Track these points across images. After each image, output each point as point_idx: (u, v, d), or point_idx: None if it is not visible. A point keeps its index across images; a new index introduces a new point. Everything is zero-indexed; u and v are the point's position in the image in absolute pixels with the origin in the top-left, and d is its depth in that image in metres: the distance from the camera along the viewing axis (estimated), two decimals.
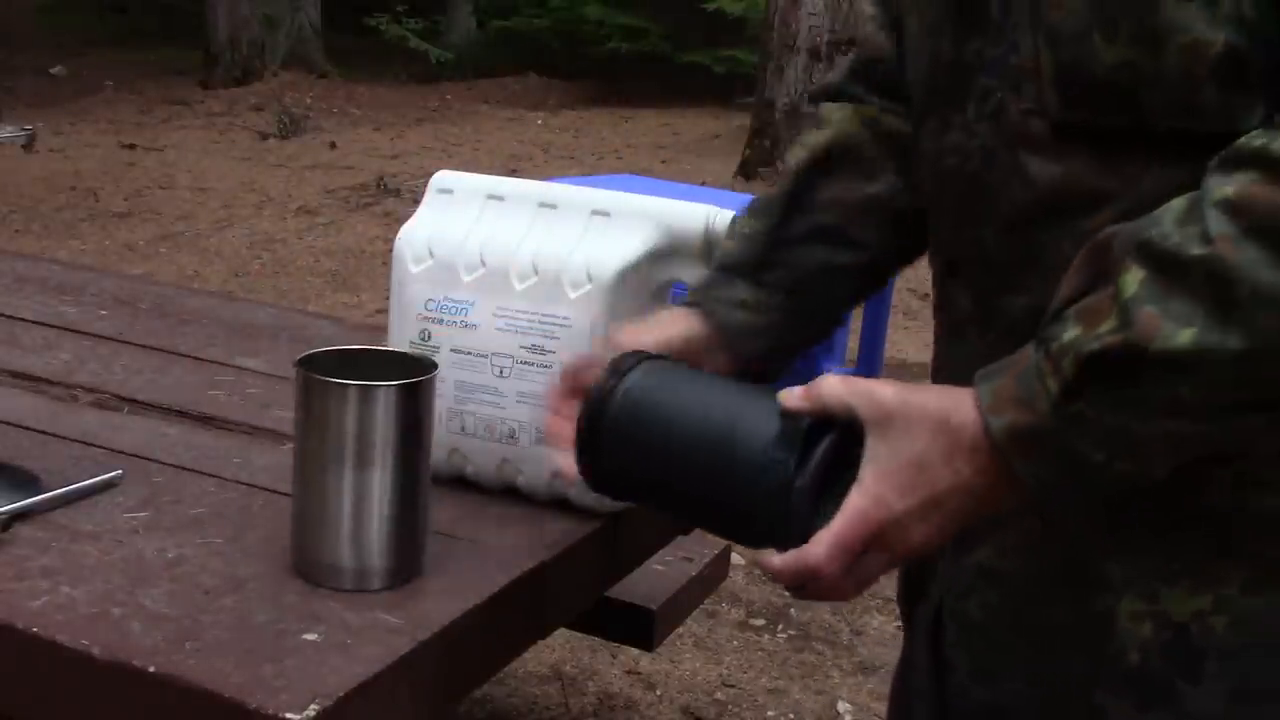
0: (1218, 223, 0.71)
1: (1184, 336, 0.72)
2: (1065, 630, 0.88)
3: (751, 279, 1.07)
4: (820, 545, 0.82)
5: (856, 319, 1.47)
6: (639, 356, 0.94)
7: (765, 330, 1.06)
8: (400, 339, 1.30)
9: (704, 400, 0.89)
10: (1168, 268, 0.72)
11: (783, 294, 1.07)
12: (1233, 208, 0.71)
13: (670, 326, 1.04)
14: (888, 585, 2.72)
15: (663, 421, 0.89)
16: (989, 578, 0.92)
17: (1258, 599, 0.82)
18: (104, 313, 1.90)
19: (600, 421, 0.91)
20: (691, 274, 1.24)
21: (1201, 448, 0.78)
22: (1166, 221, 0.74)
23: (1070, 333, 0.75)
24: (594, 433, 0.91)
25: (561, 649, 2.47)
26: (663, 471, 0.89)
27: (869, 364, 1.41)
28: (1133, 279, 0.74)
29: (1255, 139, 0.72)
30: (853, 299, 1.13)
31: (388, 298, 1.34)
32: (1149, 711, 0.84)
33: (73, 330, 1.80)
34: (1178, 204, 0.74)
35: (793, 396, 0.85)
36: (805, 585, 0.85)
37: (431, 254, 1.29)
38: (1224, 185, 0.72)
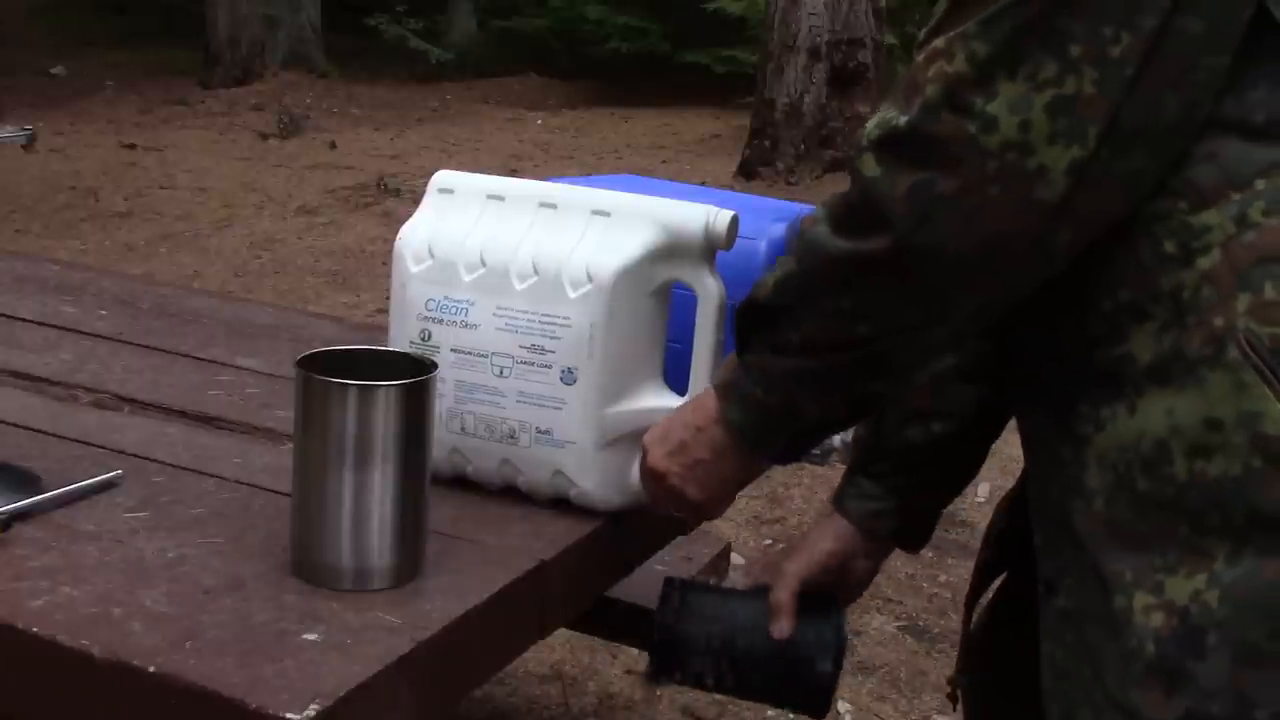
0: (817, 208, 0.99)
1: (769, 283, 1.01)
2: (1101, 642, 0.94)
3: (866, 473, 1.28)
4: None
5: None
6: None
7: (893, 512, 1.28)
8: (400, 339, 1.30)
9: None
10: (787, 243, 1.00)
11: (896, 478, 1.27)
12: (826, 200, 0.98)
13: (820, 541, 1.29)
14: (887, 586, 2.72)
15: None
16: (1066, 620, 0.99)
17: (1238, 568, 0.88)
18: (104, 313, 1.90)
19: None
20: (691, 274, 1.24)
21: (827, 384, 1.01)
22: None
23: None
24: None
25: (561, 649, 2.47)
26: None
27: None
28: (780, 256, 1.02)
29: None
30: (971, 456, 1.30)
31: (388, 298, 1.34)
32: (1174, 696, 0.90)
33: (73, 330, 1.80)
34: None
35: None
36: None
37: (431, 254, 1.29)
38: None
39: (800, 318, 0.99)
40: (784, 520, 2.99)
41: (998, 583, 1.28)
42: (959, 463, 1.29)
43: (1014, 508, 1.20)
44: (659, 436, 1.15)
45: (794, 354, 1.01)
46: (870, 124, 0.93)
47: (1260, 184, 0.89)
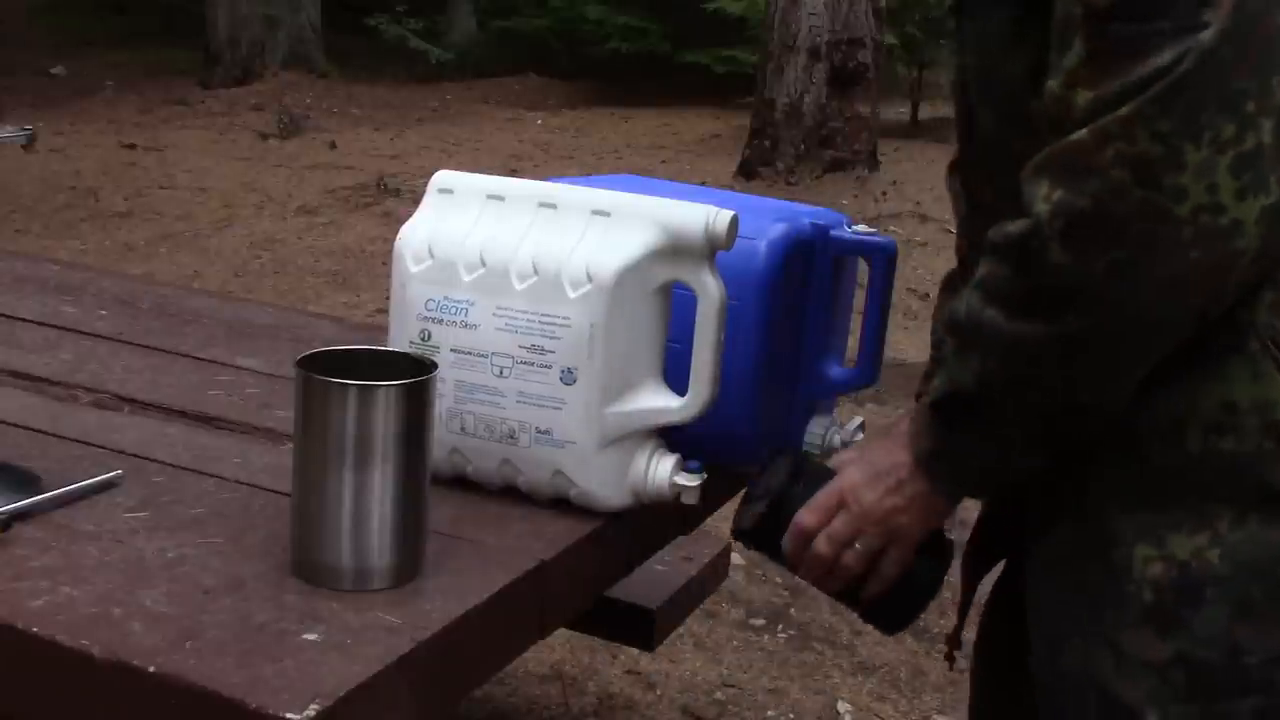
0: (972, 295, 1.01)
1: (969, 379, 1.02)
2: (1097, 582, 1.02)
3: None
4: (803, 510, 1.17)
5: (856, 320, 1.48)
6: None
7: None
8: (400, 339, 1.30)
9: None
10: (959, 334, 1.03)
11: None
12: (981, 284, 1.01)
13: None
14: None
15: None
16: (1061, 558, 1.06)
17: (1242, 531, 0.97)
18: (104, 313, 1.90)
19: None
20: (692, 274, 1.24)
21: (1046, 443, 1.03)
22: (960, 300, 1.03)
23: (932, 386, 1.08)
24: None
25: (561, 649, 2.47)
26: None
27: (869, 364, 1.41)
28: (950, 347, 1.05)
29: (993, 232, 0.99)
30: None
31: (388, 298, 1.34)
32: (1169, 640, 0.98)
33: (73, 330, 1.80)
34: (969, 286, 1.03)
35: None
36: (801, 551, 1.17)
37: (431, 254, 1.29)
38: (980, 268, 1.01)
39: (1011, 403, 1.01)
40: None
41: (996, 575, 1.29)
42: None
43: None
44: (865, 478, 1.13)
45: (1009, 430, 1.03)
46: (1043, 211, 0.93)
47: None
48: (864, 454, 1.17)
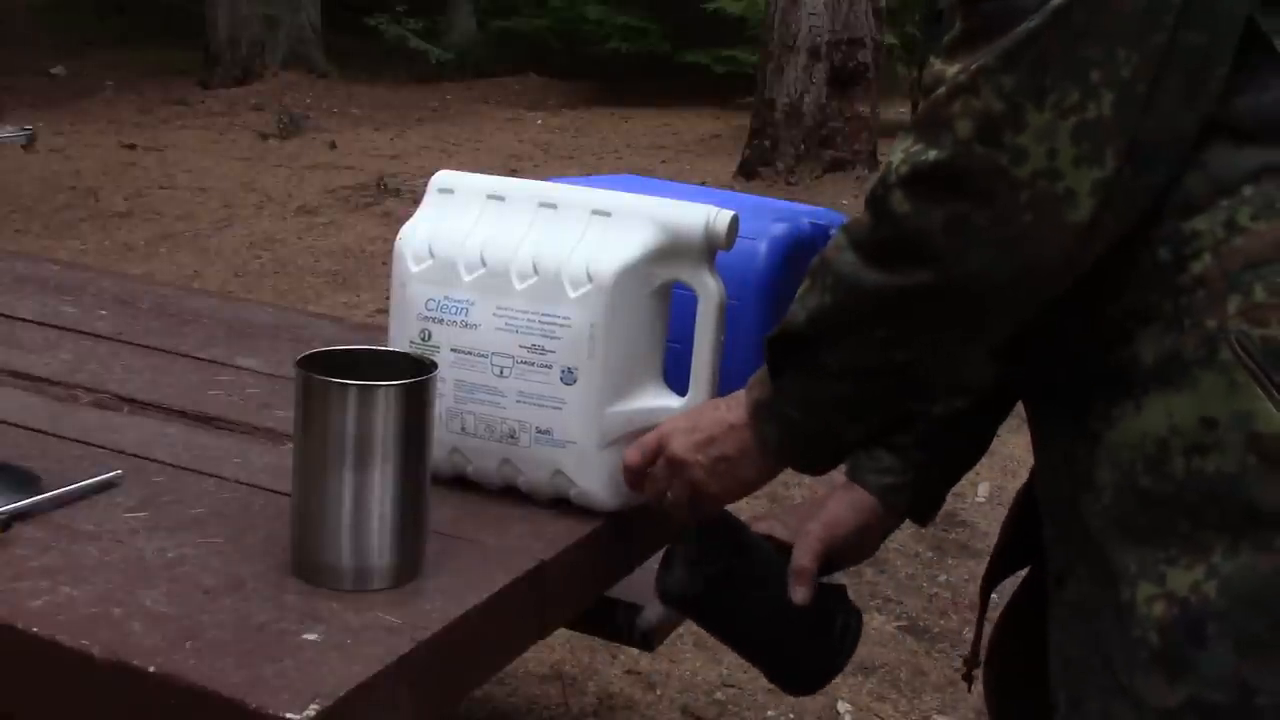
0: (837, 236, 1.01)
1: (803, 315, 1.02)
2: (1108, 630, 0.98)
3: (887, 446, 1.27)
4: (630, 446, 1.22)
5: None
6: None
7: (910, 485, 1.28)
8: (400, 339, 1.30)
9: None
10: (811, 273, 1.03)
11: (915, 451, 1.27)
12: (846, 227, 1.01)
13: (838, 510, 1.28)
14: (887, 586, 2.71)
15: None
16: (1075, 611, 1.02)
17: (1235, 561, 0.91)
18: (104, 313, 1.90)
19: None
20: (691, 274, 1.24)
21: (866, 408, 1.05)
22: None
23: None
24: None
25: (561, 649, 2.47)
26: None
27: None
28: (803, 284, 1.04)
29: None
30: (986, 431, 1.30)
31: (388, 298, 1.34)
32: (1177, 683, 0.93)
33: (73, 330, 1.80)
34: None
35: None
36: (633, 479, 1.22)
37: (431, 254, 1.29)
38: (854, 214, 1.01)
39: (836, 347, 1.02)
40: None
41: (1016, 577, 1.29)
42: (976, 437, 1.31)
43: (1030, 501, 1.22)
44: (685, 426, 1.17)
45: (830, 381, 1.03)
46: (894, 160, 0.94)
47: (1248, 190, 0.92)
48: (698, 411, 1.19)
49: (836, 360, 1.02)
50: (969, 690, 1.34)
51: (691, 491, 1.18)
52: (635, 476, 1.22)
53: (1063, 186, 0.89)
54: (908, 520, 1.32)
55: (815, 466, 1.13)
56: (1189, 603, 0.92)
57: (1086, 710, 1.01)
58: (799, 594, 1.23)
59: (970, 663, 1.31)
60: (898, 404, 1.06)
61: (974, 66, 0.89)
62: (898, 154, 0.95)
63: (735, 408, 1.13)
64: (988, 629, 1.30)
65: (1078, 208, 0.89)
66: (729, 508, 1.24)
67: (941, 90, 0.91)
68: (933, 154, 0.91)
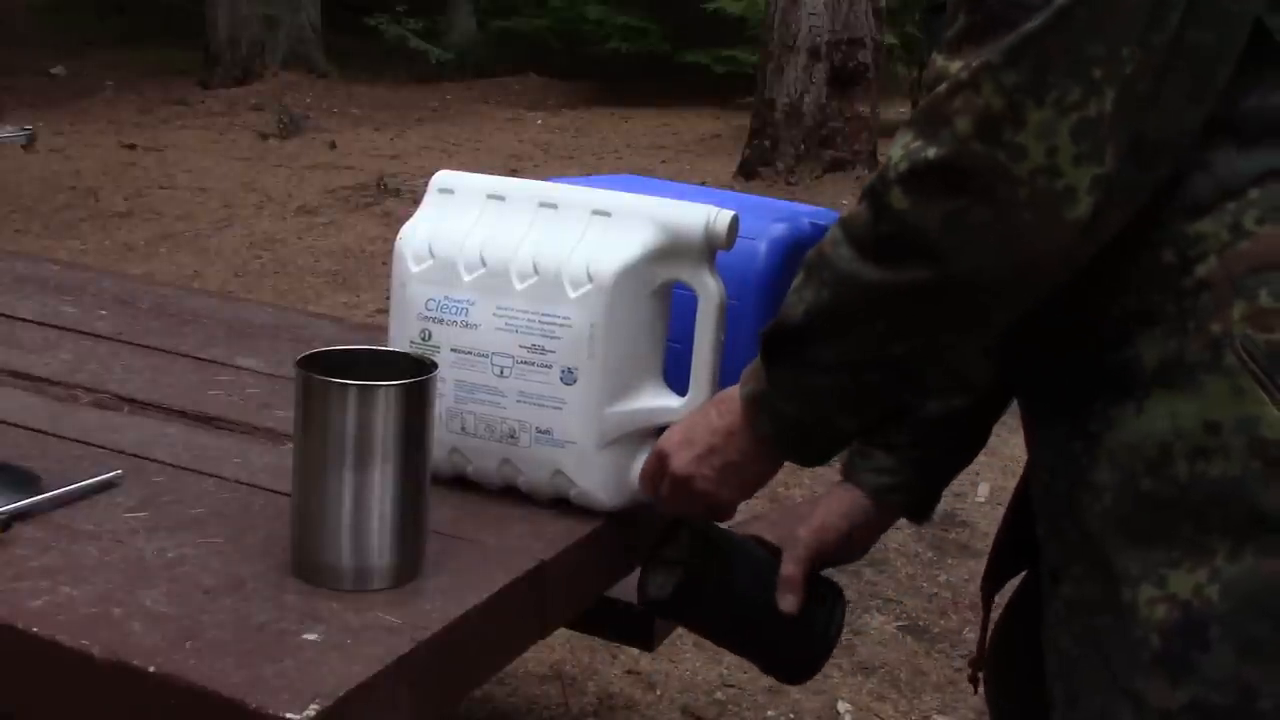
0: (832, 231, 1.00)
1: (800, 309, 1.02)
2: (1109, 630, 0.97)
3: (884, 446, 1.27)
4: (640, 475, 1.24)
5: None
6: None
7: (905, 485, 1.28)
8: (400, 339, 1.30)
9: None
10: (806, 266, 1.02)
11: (911, 450, 1.27)
12: (843, 221, 1.00)
13: (832, 512, 1.29)
14: (887, 586, 2.71)
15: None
16: (1072, 608, 1.02)
17: (1239, 565, 0.91)
18: (104, 313, 1.90)
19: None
20: (692, 274, 1.24)
21: (862, 400, 1.04)
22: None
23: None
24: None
25: (561, 649, 2.47)
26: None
27: None
28: (798, 278, 1.03)
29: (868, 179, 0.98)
30: (983, 429, 1.30)
31: (388, 298, 1.34)
32: (1182, 687, 0.93)
33: (73, 330, 1.80)
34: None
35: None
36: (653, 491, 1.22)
37: (432, 254, 1.29)
38: (849, 209, 0.99)
39: (833, 341, 1.01)
40: None
41: (1017, 579, 1.29)
42: (972, 435, 1.31)
43: (1026, 499, 1.22)
44: (681, 440, 1.17)
45: (826, 374, 1.03)
46: (894, 156, 0.94)
47: (1254, 193, 0.92)
48: (692, 421, 1.18)
49: (833, 353, 1.02)
50: (975, 691, 1.34)
51: (704, 503, 1.18)
52: (649, 490, 1.24)
53: (1062, 184, 0.88)
54: (904, 519, 1.32)
55: (811, 459, 1.13)
56: (1191, 606, 0.92)
57: (1085, 708, 1.01)
58: (787, 602, 1.24)
59: (976, 665, 1.31)
60: (893, 397, 1.06)
61: (976, 63, 0.89)
62: (897, 150, 0.94)
63: (727, 412, 1.13)
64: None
65: (1077, 205, 0.89)
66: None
67: (942, 86, 0.91)
68: (932, 150, 0.91)
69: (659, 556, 1.26)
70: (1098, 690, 0.99)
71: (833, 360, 1.02)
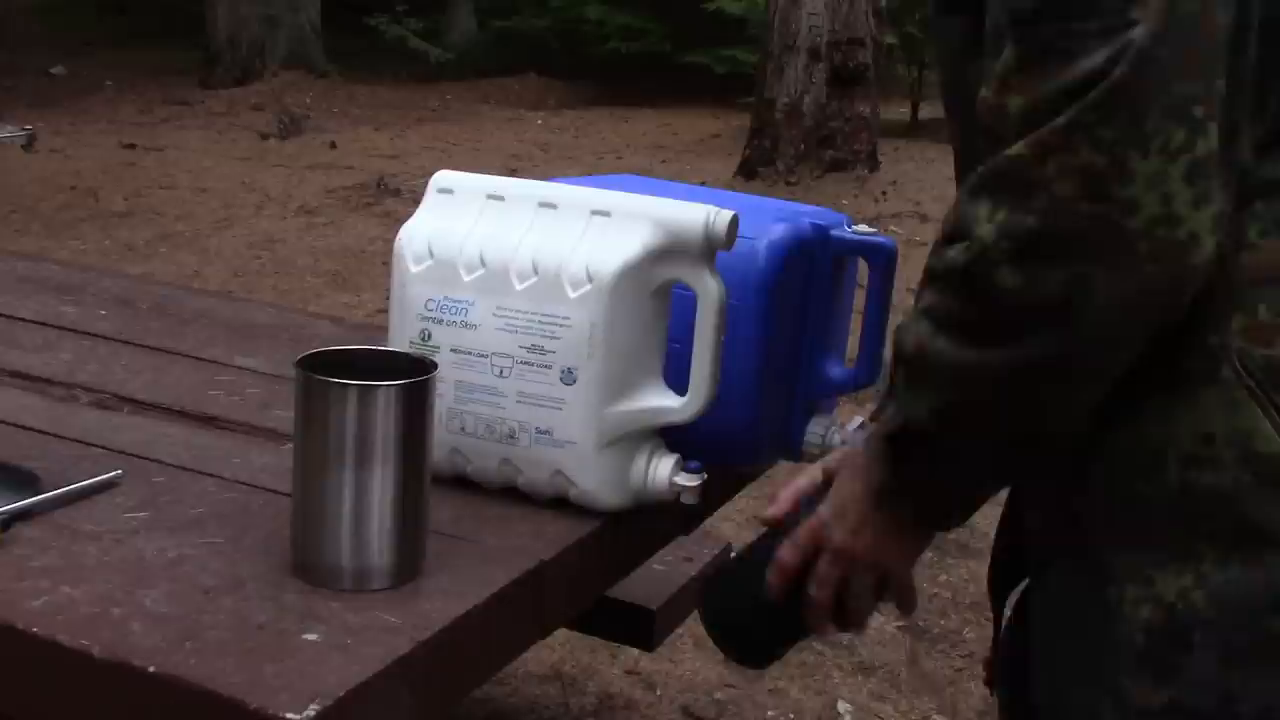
0: (918, 325, 0.96)
1: (923, 413, 0.97)
2: (1094, 625, 0.98)
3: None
4: (784, 544, 1.15)
5: (856, 320, 1.48)
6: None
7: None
8: (400, 339, 1.30)
9: None
10: (908, 366, 0.98)
11: None
12: (927, 313, 0.95)
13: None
14: None
15: None
16: (1058, 598, 1.03)
17: (1225, 572, 0.92)
18: (104, 313, 1.90)
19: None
20: (691, 274, 1.24)
21: (1000, 470, 1.02)
22: (906, 327, 0.98)
23: (882, 418, 1.03)
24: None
25: (561, 649, 2.47)
26: None
27: (869, 364, 1.42)
28: (900, 377, 1.00)
29: (931, 260, 0.95)
30: None
31: (388, 298, 1.34)
32: (1163, 687, 0.94)
33: (73, 330, 1.80)
34: (914, 313, 0.98)
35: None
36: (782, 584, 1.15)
37: (431, 254, 1.29)
38: (923, 298, 0.96)
39: (968, 434, 0.98)
40: None
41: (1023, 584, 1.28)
42: None
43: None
44: (835, 513, 1.11)
45: (963, 463, 1.00)
46: (983, 235, 0.89)
47: (1259, 206, 0.92)
48: (836, 485, 1.13)
49: (970, 444, 0.98)
50: (991, 695, 1.34)
51: (877, 573, 1.12)
52: (788, 574, 1.15)
53: (1184, 231, 0.85)
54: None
55: (957, 524, 1.09)
56: (1176, 609, 0.93)
57: (1068, 700, 1.02)
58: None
59: (990, 668, 1.30)
60: (1034, 460, 1.01)
61: (1062, 123, 0.84)
62: (983, 226, 0.89)
63: (857, 481, 1.09)
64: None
65: (1202, 247, 0.86)
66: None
67: (1022, 149, 0.86)
68: (1032, 220, 0.86)
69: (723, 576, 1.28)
70: (1080, 682, 1.00)
71: (968, 451, 0.99)
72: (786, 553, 1.14)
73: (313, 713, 0.91)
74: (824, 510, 1.12)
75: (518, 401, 1.25)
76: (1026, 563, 1.24)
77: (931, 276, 0.95)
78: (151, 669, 0.96)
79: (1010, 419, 0.95)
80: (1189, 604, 0.93)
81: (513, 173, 6.39)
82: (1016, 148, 0.86)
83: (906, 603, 1.17)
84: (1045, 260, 0.87)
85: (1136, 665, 0.95)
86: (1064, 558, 1.02)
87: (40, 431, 1.41)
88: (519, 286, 1.24)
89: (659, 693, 2.40)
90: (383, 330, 1.38)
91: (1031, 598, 1.08)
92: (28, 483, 1.23)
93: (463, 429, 1.28)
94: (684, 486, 1.26)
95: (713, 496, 1.39)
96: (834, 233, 1.40)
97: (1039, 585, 1.06)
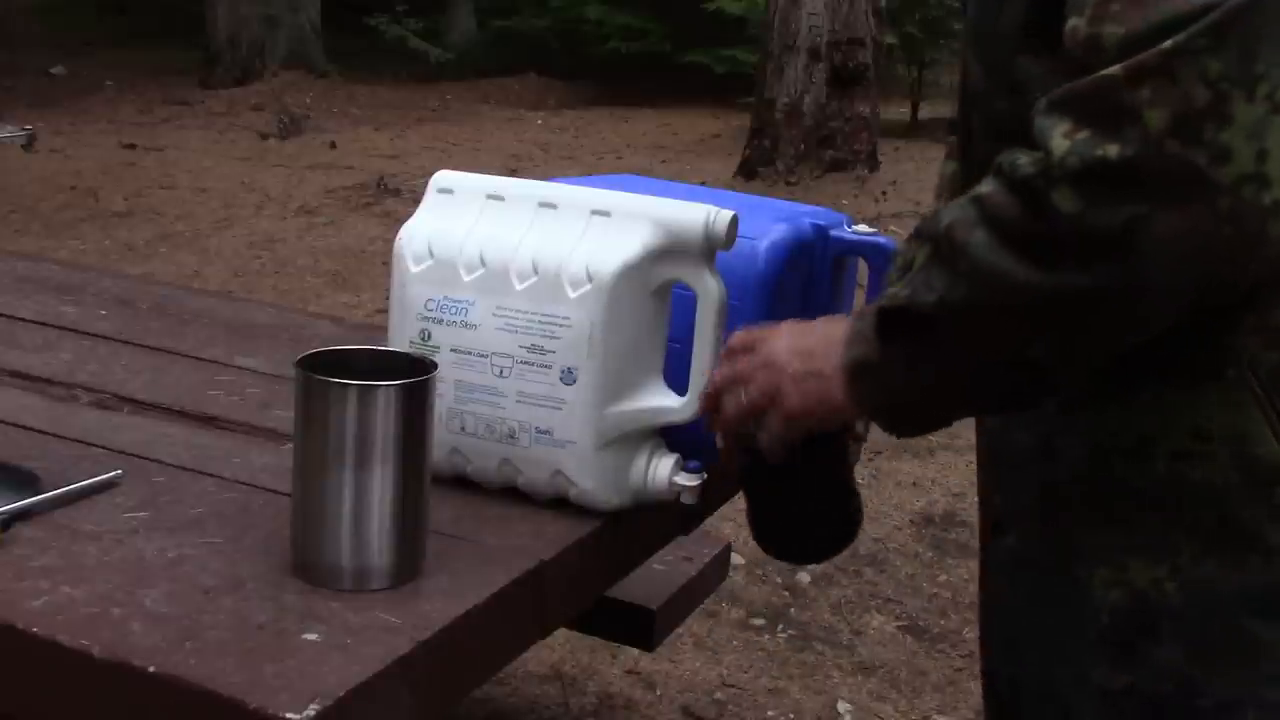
0: (964, 210, 0.87)
1: (930, 297, 0.89)
2: (1059, 597, 0.98)
3: None
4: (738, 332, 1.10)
5: None
6: None
7: None
8: (400, 339, 1.30)
9: None
10: (937, 245, 0.90)
11: None
12: (979, 201, 0.87)
13: None
14: (887, 586, 2.72)
15: None
16: (1019, 562, 1.03)
17: (1201, 567, 0.92)
18: (104, 313, 1.90)
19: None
20: (691, 274, 1.24)
21: (980, 393, 0.94)
22: (948, 208, 0.90)
23: (888, 292, 0.95)
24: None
25: (561, 649, 2.47)
26: None
27: None
28: (921, 254, 0.92)
29: (1005, 156, 0.86)
30: None
31: (388, 298, 1.34)
32: (1121, 668, 0.95)
33: (73, 330, 1.80)
34: (963, 197, 0.90)
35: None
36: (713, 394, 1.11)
37: (431, 254, 1.29)
38: (984, 185, 0.87)
39: (965, 336, 0.90)
40: None
41: None
42: None
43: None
44: (795, 330, 1.05)
45: (948, 364, 0.92)
46: (1056, 149, 0.81)
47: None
48: (809, 326, 1.05)
49: (963, 345, 0.90)
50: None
51: (769, 399, 1.04)
52: (727, 358, 1.10)
53: (1271, 198, 0.77)
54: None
55: (902, 433, 1.01)
56: (1147, 596, 0.93)
57: (1026, 664, 1.02)
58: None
59: None
60: (1012, 396, 0.94)
61: (1168, 47, 0.76)
62: (1058, 140, 0.81)
63: (837, 341, 1.00)
64: None
65: None
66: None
67: (1117, 70, 0.78)
68: (1114, 149, 0.78)
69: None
70: (1037, 647, 1.00)
71: (961, 351, 0.91)
72: (738, 335, 1.10)
73: (313, 713, 0.91)
74: (782, 333, 1.05)
75: (518, 401, 1.25)
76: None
77: (997, 171, 0.87)
78: (151, 669, 0.96)
79: (1006, 336, 0.88)
80: (1161, 593, 0.93)
81: (513, 173, 6.39)
82: (1112, 69, 0.78)
83: (773, 452, 1.07)
84: (1111, 193, 0.79)
85: (1099, 645, 0.96)
86: (1028, 522, 1.01)
87: (40, 431, 1.41)
88: (519, 286, 1.24)
89: (659, 693, 2.40)
90: (383, 330, 1.38)
91: (986, 557, 1.08)
92: (28, 483, 1.23)
93: (463, 429, 1.28)
94: (684, 486, 1.26)
95: (713, 496, 1.39)
96: (834, 233, 1.40)
97: (996, 547, 1.06)
